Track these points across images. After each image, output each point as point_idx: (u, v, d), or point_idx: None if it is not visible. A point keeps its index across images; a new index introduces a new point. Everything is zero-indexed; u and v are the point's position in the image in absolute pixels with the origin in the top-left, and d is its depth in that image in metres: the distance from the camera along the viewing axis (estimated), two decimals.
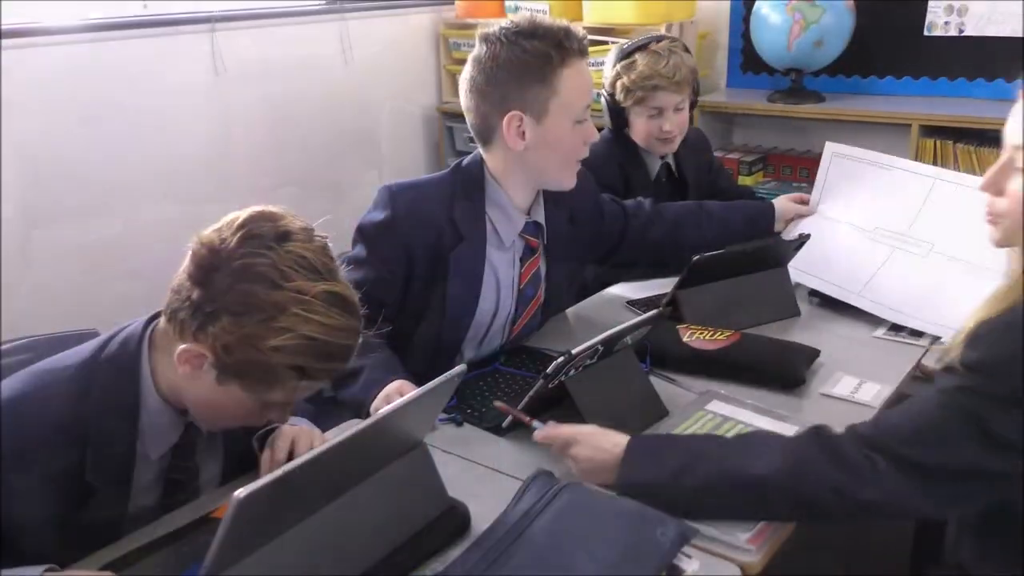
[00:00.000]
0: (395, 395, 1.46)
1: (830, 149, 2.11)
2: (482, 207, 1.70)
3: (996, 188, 1.18)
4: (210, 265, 1.11)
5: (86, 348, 1.23)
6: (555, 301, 1.86)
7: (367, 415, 1.43)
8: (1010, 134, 1.16)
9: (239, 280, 1.10)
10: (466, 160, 1.74)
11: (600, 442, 1.27)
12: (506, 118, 1.61)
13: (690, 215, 2.04)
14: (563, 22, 1.63)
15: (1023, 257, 1.13)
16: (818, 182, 2.09)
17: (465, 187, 1.70)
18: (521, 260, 1.76)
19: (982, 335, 1.09)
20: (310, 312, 1.10)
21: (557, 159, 1.68)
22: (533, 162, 1.67)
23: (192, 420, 1.25)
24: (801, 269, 1.96)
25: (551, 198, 1.77)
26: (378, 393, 1.48)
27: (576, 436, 1.29)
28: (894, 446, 1.12)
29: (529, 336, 1.85)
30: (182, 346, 1.13)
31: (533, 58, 1.58)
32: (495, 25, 1.65)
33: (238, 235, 1.12)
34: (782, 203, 2.11)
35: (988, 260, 1.56)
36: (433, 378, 1.14)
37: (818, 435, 1.18)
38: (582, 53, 1.63)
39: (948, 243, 1.86)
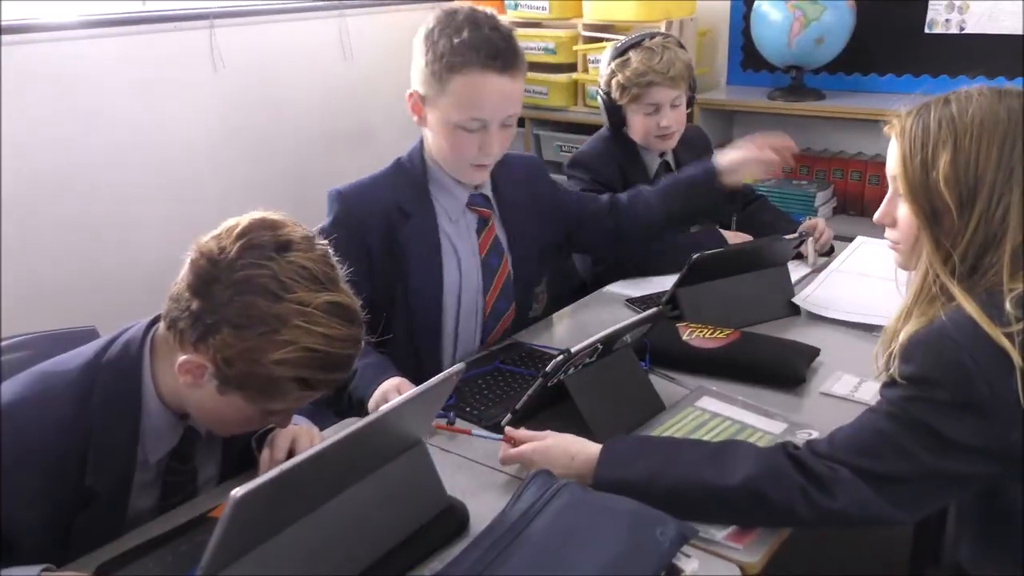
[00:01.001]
0: (393, 392, 1.46)
1: (860, 240, 2.21)
2: (425, 187, 1.75)
3: (891, 218, 1.27)
4: (209, 276, 1.10)
5: (87, 351, 1.22)
6: (524, 272, 1.86)
7: (365, 414, 1.43)
8: (888, 166, 1.25)
9: (240, 292, 1.08)
10: (407, 151, 1.79)
11: (557, 457, 1.27)
12: (408, 91, 1.67)
13: (637, 194, 2.00)
14: (504, 32, 1.61)
15: (921, 276, 1.19)
16: (841, 257, 2.13)
17: (408, 173, 1.75)
18: (477, 232, 1.79)
19: (915, 348, 1.12)
20: (312, 324, 1.09)
21: (444, 151, 1.70)
22: (432, 143, 1.72)
23: (191, 424, 1.25)
24: (822, 306, 1.89)
25: (501, 171, 1.80)
26: (374, 391, 1.48)
27: (532, 455, 1.29)
28: (852, 459, 1.14)
29: (507, 312, 1.84)
30: (183, 357, 1.12)
31: (441, 49, 1.59)
32: (456, 6, 1.64)
33: (238, 245, 1.10)
34: (723, 155, 1.94)
35: None
36: (423, 373, 1.14)
37: (785, 447, 1.21)
38: (499, 68, 1.59)
39: None
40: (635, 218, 1.95)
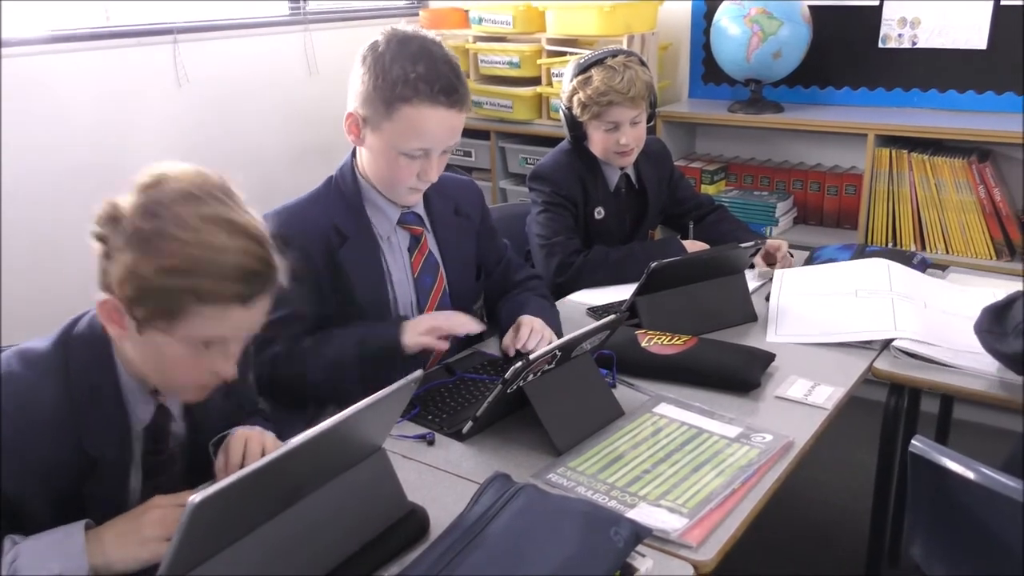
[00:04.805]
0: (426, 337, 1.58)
1: (780, 276, 2.13)
2: (360, 205, 1.74)
3: None
4: (108, 219, 1.15)
5: (54, 332, 1.24)
6: (461, 288, 1.86)
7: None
8: None
9: (128, 223, 1.13)
10: (338, 169, 1.78)
11: None
12: (347, 113, 1.68)
13: (522, 301, 1.92)
14: (454, 66, 1.62)
15: None
16: (775, 294, 2.07)
17: (340, 192, 1.75)
18: (409, 251, 1.79)
19: None
20: (186, 231, 1.10)
21: (382, 174, 1.70)
22: (369, 164, 1.72)
23: (163, 402, 1.27)
24: (791, 334, 1.88)
25: (435, 188, 1.78)
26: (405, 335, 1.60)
27: None
28: None
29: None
30: (98, 300, 1.15)
31: (393, 78, 1.58)
32: (407, 32, 1.64)
33: (135, 188, 1.16)
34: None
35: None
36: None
37: None
38: (449, 104, 1.61)
39: (934, 299, 1.97)
40: (502, 310, 1.91)
